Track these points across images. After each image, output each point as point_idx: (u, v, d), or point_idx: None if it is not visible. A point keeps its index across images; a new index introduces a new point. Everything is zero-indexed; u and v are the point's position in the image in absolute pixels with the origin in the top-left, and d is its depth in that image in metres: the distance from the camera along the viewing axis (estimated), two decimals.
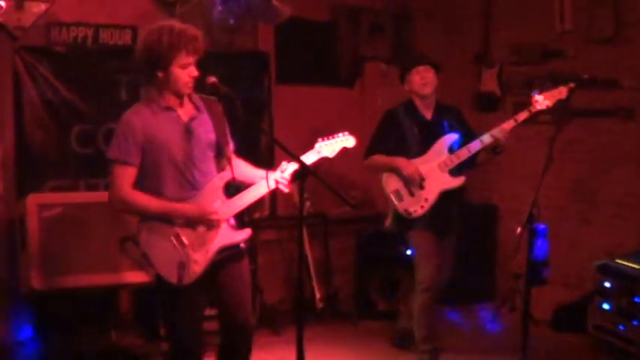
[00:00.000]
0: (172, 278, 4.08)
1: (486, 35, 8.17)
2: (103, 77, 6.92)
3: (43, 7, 6.60)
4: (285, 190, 4.33)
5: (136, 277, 6.05)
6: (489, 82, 8.06)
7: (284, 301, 7.63)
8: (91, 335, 6.35)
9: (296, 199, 4.11)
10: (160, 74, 4.13)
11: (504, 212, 8.14)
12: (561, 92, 5.50)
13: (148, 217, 4.18)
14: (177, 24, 4.14)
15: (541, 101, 5.50)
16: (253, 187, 4.34)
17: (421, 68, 5.86)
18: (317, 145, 4.46)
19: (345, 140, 4.51)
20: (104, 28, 6.92)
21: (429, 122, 5.94)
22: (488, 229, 8.16)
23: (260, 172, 4.42)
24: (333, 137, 4.49)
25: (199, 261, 4.12)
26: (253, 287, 6.83)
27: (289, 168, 4.30)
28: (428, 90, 5.87)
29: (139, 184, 4.20)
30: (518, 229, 4.89)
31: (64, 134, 6.79)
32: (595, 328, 6.41)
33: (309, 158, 4.43)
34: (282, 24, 7.39)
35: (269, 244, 7.61)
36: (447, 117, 5.98)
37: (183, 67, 4.11)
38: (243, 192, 4.33)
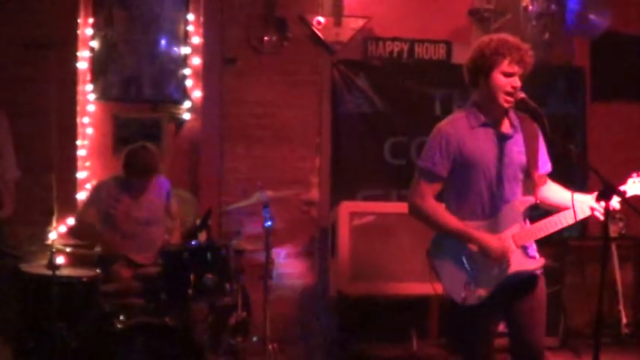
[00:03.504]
0: (457, 297, 4.04)
1: None
2: (417, 91, 7.11)
3: (360, 22, 6.93)
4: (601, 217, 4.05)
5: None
6: None
7: (589, 325, 7.37)
8: (393, 342, 6.50)
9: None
10: (481, 80, 4.07)
11: None
12: None
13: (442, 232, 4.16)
14: (510, 36, 4.07)
15: None
16: (558, 215, 4.06)
17: None
18: (629, 181, 4.04)
19: None
20: (419, 43, 7.10)
21: None
22: None
23: (572, 200, 4.03)
24: None
25: (487, 284, 4.04)
26: (558, 308, 6.74)
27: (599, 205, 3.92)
28: None
29: (446, 196, 4.19)
30: None
31: (377, 145, 7.05)
32: None
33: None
34: (598, 38, 7.20)
35: (577, 264, 7.40)
36: None
37: (506, 75, 3.99)
38: (547, 219, 4.08)
